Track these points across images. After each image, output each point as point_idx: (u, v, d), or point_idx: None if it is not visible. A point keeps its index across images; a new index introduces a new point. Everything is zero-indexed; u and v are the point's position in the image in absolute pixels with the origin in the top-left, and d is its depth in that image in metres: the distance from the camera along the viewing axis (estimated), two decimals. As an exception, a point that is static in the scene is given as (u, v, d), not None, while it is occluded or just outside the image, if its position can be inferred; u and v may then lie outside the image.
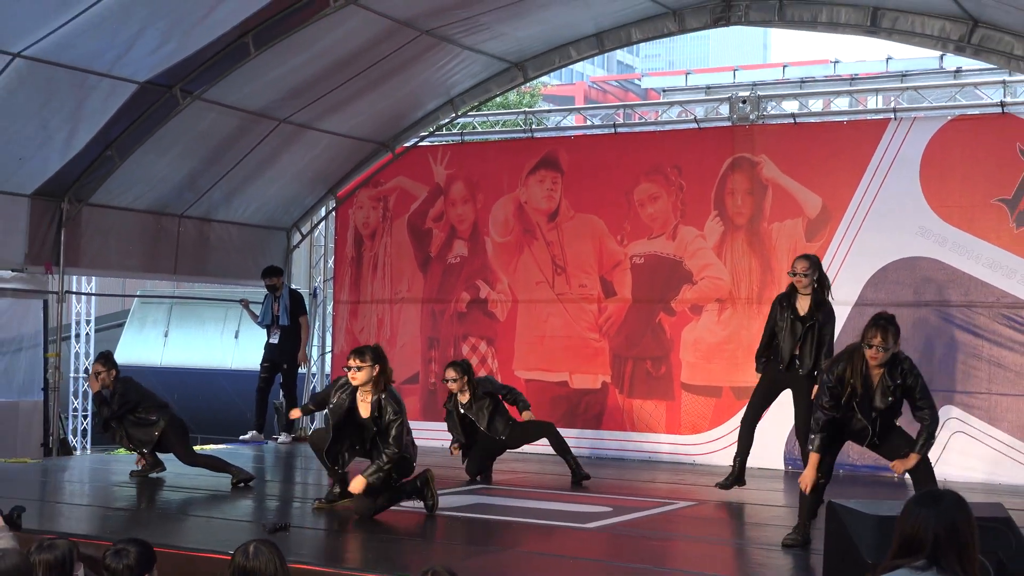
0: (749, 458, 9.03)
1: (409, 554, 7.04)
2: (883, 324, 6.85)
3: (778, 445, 11.16)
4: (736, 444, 9.11)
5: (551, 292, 12.66)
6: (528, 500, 9.08)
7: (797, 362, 8.72)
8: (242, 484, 9.31)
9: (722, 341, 11.74)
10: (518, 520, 8.06)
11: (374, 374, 7.73)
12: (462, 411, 9.99)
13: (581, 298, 12.48)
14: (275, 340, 13.02)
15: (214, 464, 9.56)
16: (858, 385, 6.78)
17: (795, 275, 8.75)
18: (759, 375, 9.03)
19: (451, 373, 9.95)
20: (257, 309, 13.49)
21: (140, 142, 11.11)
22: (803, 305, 8.74)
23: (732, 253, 11.76)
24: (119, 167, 11.28)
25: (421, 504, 8.04)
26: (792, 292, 8.82)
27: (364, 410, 7.82)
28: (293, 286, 14.00)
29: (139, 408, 9.58)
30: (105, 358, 9.79)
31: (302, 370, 13.84)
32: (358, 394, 7.84)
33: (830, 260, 11.17)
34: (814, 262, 8.82)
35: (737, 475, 9.00)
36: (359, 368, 7.73)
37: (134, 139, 11.10)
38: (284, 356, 13.07)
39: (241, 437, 13.37)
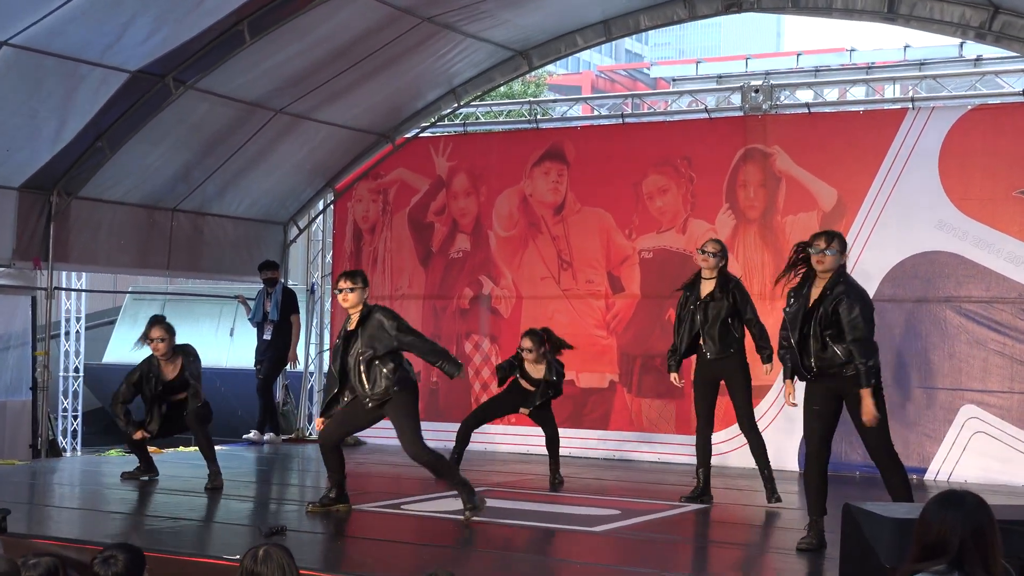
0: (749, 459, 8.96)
1: (409, 558, 7.03)
2: (828, 232, 7.05)
3: (792, 446, 11.14)
4: (696, 456, 9.07)
5: (557, 288, 12.66)
6: (532, 503, 9.08)
7: (704, 348, 8.75)
8: (212, 488, 9.31)
9: (734, 339, 11.69)
10: (521, 523, 8.05)
11: (365, 297, 7.93)
12: (525, 384, 9.86)
13: (588, 294, 12.47)
14: (267, 336, 13.05)
15: (209, 451, 9.52)
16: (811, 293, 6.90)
17: (703, 253, 8.83)
18: (674, 376, 9.08)
19: (527, 343, 9.80)
20: (247, 328, 13.55)
21: (132, 133, 11.10)
22: (706, 288, 8.81)
23: (744, 247, 11.75)
24: (110, 159, 11.27)
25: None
26: (696, 279, 8.88)
27: (352, 324, 7.94)
28: (290, 283, 14.01)
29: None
30: (164, 324, 9.55)
31: (294, 368, 13.82)
32: (349, 319, 7.96)
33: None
34: (724, 246, 8.95)
35: (703, 489, 8.96)
36: (351, 290, 7.86)
37: (125, 130, 11.09)
38: (271, 351, 13.08)
39: (244, 436, 13.39)
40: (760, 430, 8.99)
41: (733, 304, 8.72)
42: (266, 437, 13.13)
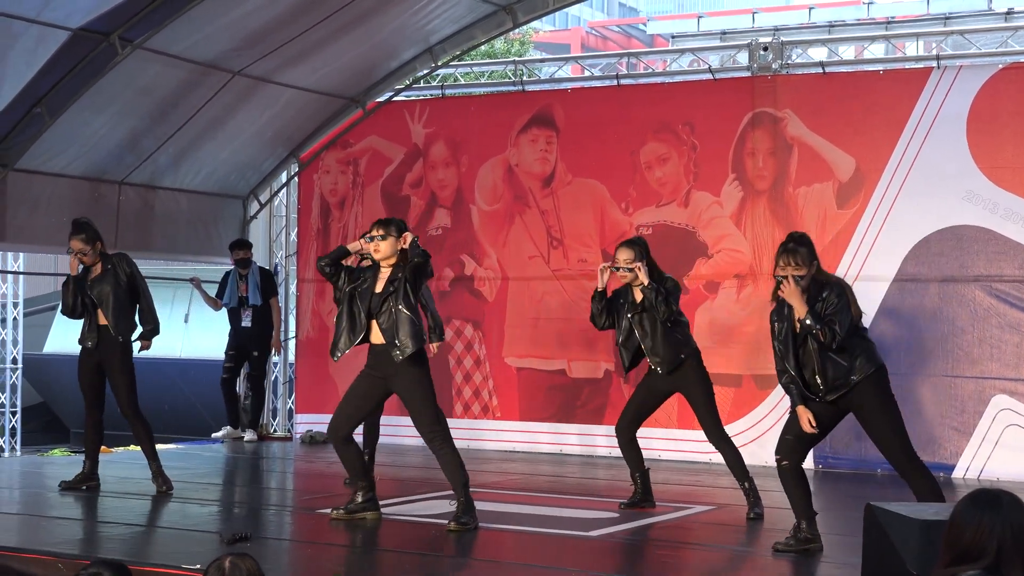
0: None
1: (387, 566, 7.04)
2: (791, 247, 7.06)
3: (806, 441, 11.17)
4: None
5: (546, 268, 12.66)
6: (522, 505, 9.10)
7: (652, 364, 8.62)
8: (165, 490, 9.31)
9: (741, 323, 11.74)
10: (511, 528, 8.07)
11: (398, 247, 7.88)
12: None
13: (581, 274, 12.46)
14: (247, 323, 13.05)
15: (146, 440, 9.44)
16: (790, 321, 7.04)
17: (619, 270, 8.57)
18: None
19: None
20: (211, 289, 13.46)
21: (73, 98, 11.03)
22: (638, 295, 8.59)
23: (753, 222, 11.76)
24: (49, 127, 11.21)
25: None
26: (627, 287, 8.69)
27: (379, 287, 7.92)
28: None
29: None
30: (85, 228, 9.42)
31: (274, 358, 13.84)
32: (379, 272, 7.95)
33: (865, 230, 11.18)
34: (639, 248, 8.60)
35: (643, 494, 8.94)
36: (383, 238, 7.85)
37: (66, 95, 11.02)
38: (255, 342, 13.13)
39: (213, 435, 13.40)
40: (732, 438, 8.90)
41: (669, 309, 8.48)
42: (247, 436, 13.15)
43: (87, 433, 9.67)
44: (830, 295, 6.97)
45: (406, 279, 7.84)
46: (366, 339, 7.98)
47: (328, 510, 8.28)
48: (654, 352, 8.55)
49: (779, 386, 11.19)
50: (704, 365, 8.75)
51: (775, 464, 7.25)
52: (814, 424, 7.00)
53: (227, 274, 13.32)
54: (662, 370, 8.58)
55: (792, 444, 7.15)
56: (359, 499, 8.13)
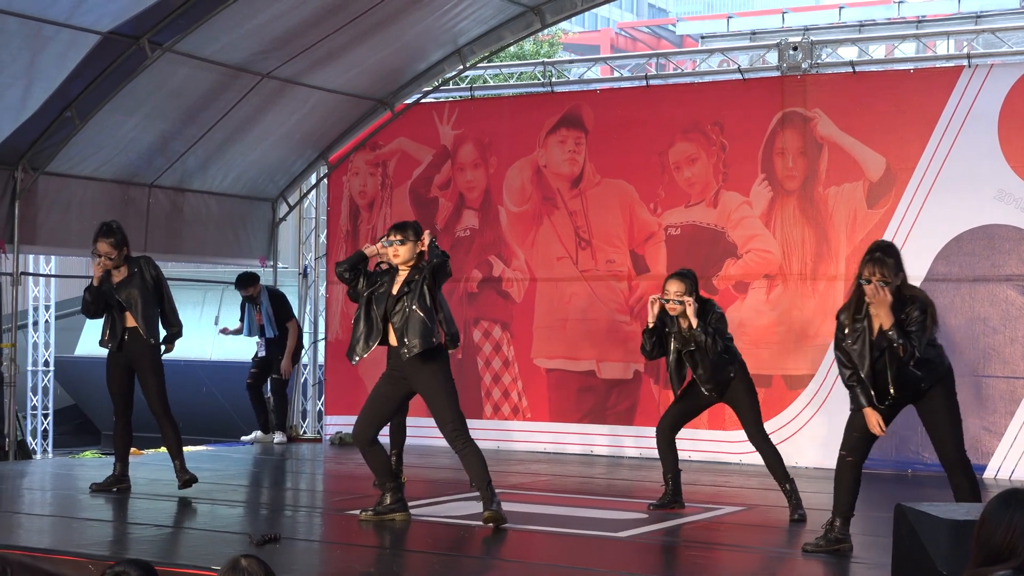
0: (785, 459, 8.86)
1: (415, 568, 7.05)
2: (879, 257, 6.95)
3: (837, 442, 11.11)
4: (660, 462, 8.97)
5: (574, 269, 12.65)
6: (551, 506, 9.09)
7: (707, 392, 8.58)
8: (188, 485, 9.37)
9: (772, 323, 11.71)
10: (539, 529, 8.07)
11: (417, 250, 7.92)
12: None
13: (609, 275, 12.46)
14: (263, 353, 13.09)
15: (174, 440, 9.48)
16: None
17: (668, 302, 8.50)
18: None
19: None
20: (232, 323, 13.56)
21: (104, 101, 11.10)
22: (684, 323, 8.52)
23: (782, 222, 11.72)
24: (80, 130, 11.28)
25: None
26: (664, 313, 8.60)
27: (395, 288, 7.94)
28: (280, 265, 14.00)
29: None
30: (113, 232, 9.45)
31: (303, 360, 13.84)
32: (397, 275, 7.97)
33: (895, 229, 11.12)
34: (690, 281, 8.53)
35: (673, 495, 8.90)
36: (402, 242, 7.87)
37: (97, 98, 11.09)
38: (275, 366, 13.16)
39: (243, 438, 13.45)
40: (772, 439, 8.86)
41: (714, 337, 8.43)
42: (277, 438, 13.18)
43: (116, 436, 9.71)
44: (913, 310, 6.90)
45: (424, 280, 7.86)
46: (384, 341, 8.01)
47: (357, 512, 8.29)
48: (705, 381, 8.56)
49: (809, 387, 11.24)
50: (748, 372, 8.72)
51: (836, 460, 7.21)
52: (884, 428, 7.00)
53: (243, 304, 13.32)
54: (716, 394, 8.60)
55: (857, 442, 7.13)
56: (387, 500, 8.14)
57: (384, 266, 8.10)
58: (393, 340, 7.94)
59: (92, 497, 9.40)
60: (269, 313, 13.04)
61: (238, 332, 13.40)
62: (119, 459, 9.65)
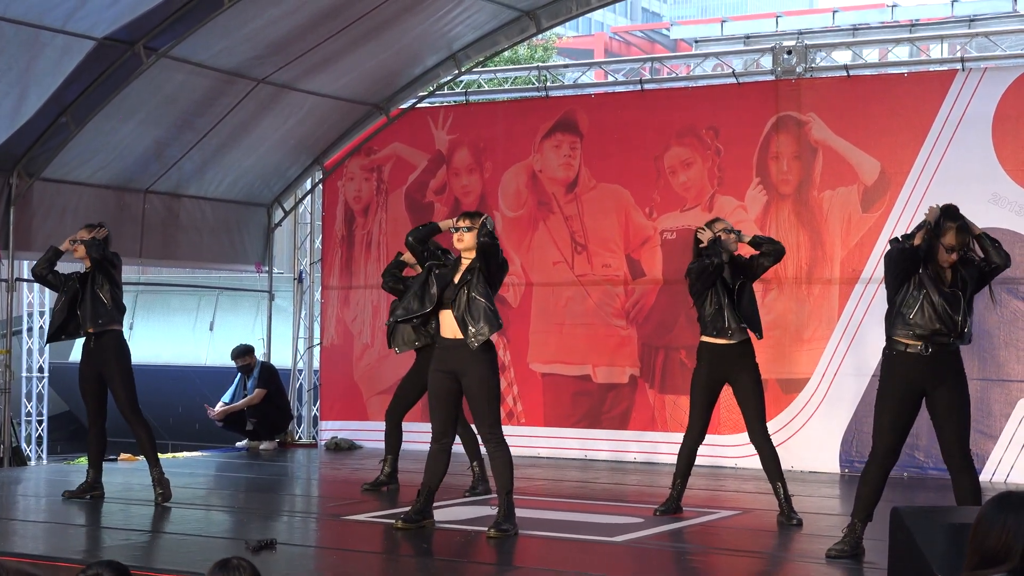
0: (790, 462, 8.88)
1: (412, 574, 7.05)
2: (963, 226, 7.54)
3: (833, 445, 11.16)
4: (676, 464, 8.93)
5: (570, 273, 12.66)
6: (548, 511, 9.09)
7: (727, 328, 8.56)
8: (160, 498, 9.19)
9: (767, 327, 11.61)
10: (537, 533, 8.06)
11: (475, 242, 7.93)
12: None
13: (605, 280, 12.47)
14: (250, 427, 13.15)
15: (150, 446, 9.36)
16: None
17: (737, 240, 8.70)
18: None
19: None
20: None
21: (99, 107, 11.10)
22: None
23: (777, 226, 11.74)
24: (75, 136, 11.28)
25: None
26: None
27: (457, 277, 7.96)
28: (276, 270, 14.00)
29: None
30: (95, 227, 9.58)
31: (210, 416, 13.66)
32: (460, 263, 8.00)
33: (890, 233, 11.12)
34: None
35: (676, 501, 8.86)
36: (468, 229, 7.89)
37: (92, 104, 11.09)
38: (267, 432, 13.24)
39: (238, 444, 13.45)
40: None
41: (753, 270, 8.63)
42: (264, 444, 13.18)
43: (90, 442, 9.59)
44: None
45: (480, 267, 7.88)
46: (425, 321, 8.05)
47: (362, 516, 8.31)
48: (732, 313, 8.58)
49: (804, 391, 11.26)
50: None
51: (865, 464, 7.22)
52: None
53: (236, 373, 13.33)
54: (733, 338, 8.54)
55: (893, 444, 7.10)
56: (420, 505, 8.06)
57: (417, 271, 8.13)
58: (449, 331, 7.89)
59: (90, 503, 9.39)
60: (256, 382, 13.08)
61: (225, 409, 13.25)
62: (92, 465, 9.59)
